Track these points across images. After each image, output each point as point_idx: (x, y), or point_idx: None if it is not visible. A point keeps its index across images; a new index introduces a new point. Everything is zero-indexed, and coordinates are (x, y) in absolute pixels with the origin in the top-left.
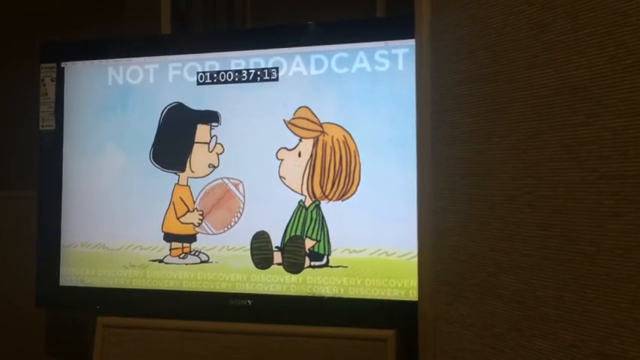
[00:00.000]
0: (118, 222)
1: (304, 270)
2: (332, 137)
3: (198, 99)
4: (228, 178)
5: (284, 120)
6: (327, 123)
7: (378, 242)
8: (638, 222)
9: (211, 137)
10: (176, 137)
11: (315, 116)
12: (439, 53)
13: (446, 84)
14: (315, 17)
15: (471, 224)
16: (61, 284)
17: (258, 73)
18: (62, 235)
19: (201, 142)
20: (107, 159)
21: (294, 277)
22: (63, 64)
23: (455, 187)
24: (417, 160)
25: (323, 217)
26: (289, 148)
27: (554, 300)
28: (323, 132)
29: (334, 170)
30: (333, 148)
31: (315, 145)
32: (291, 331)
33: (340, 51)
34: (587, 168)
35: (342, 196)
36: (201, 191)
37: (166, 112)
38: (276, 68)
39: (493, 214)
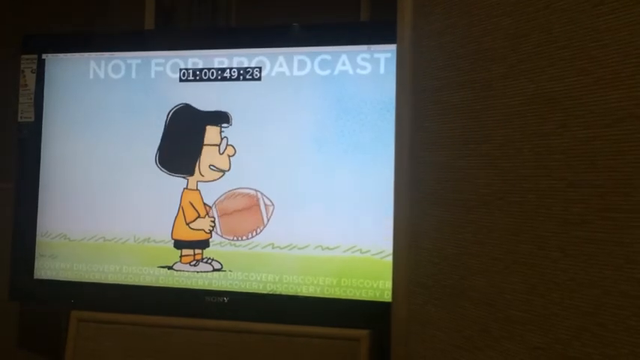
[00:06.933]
0: (95, 215)
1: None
2: None
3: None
4: (263, 194)
5: None
6: None
7: (351, 240)
8: (602, 230)
9: (222, 139)
10: (184, 140)
11: None
12: (420, 59)
13: (426, 90)
14: (300, 19)
15: (446, 227)
16: (35, 277)
17: (241, 72)
18: (38, 227)
19: (211, 145)
20: (86, 152)
21: (270, 276)
22: (44, 56)
23: (431, 190)
24: (394, 164)
25: None
26: None
27: (522, 303)
28: None
29: None
30: None
31: None
32: (267, 329)
33: (323, 53)
34: (557, 176)
35: None
36: (228, 192)
37: (172, 114)
38: (259, 68)
39: (467, 218)
